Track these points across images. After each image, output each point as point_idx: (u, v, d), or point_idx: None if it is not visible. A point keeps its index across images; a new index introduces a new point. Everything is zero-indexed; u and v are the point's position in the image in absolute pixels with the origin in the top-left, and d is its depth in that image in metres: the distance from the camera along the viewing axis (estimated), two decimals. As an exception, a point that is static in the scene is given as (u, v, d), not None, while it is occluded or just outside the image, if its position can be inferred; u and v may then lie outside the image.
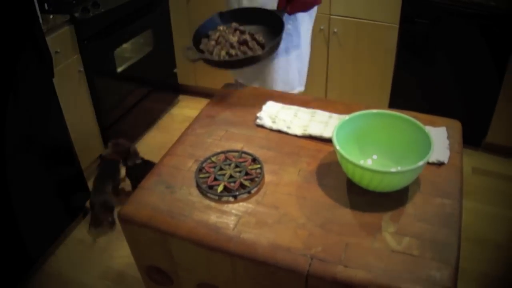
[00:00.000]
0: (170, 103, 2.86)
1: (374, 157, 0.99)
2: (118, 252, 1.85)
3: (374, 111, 0.99)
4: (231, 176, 0.93)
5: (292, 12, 1.24)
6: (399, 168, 0.85)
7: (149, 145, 2.45)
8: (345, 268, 0.76)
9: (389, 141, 0.98)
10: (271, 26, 1.23)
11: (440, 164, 0.97)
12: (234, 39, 1.19)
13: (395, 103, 2.49)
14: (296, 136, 1.08)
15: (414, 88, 2.45)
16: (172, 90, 2.87)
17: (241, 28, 1.24)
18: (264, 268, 0.80)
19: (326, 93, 2.59)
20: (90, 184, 2.03)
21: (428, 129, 0.93)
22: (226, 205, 0.89)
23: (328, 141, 1.05)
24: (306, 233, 0.83)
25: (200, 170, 0.96)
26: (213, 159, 0.99)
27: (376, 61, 2.39)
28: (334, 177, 0.96)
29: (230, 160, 0.98)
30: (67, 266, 1.79)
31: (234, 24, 1.26)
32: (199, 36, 1.23)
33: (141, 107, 2.48)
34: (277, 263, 0.78)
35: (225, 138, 1.08)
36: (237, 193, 0.90)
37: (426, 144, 0.89)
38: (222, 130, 1.11)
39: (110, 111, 2.23)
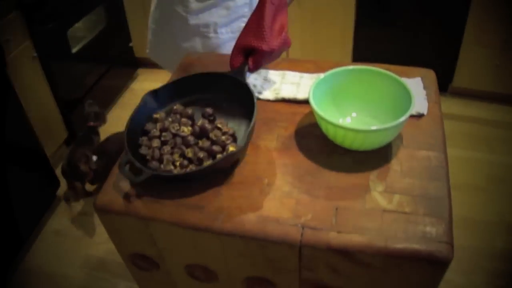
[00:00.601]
0: (129, 78, 2.75)
1: (353, 114, 0.95)
2: (97, 238, 1.79)
3: (350, 67, 0.95)
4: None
5: (256, 69, 0.97)
6: (381, 125, 0.82)
7: (113, 124, 2.36)
8: (338, 234, 0.74)
9: (367, 97, 0.95)
10: (223, 91, 0.95)
11: (419, 116, 0.95)
12: (186, 131, 0.89)
13: (358, 58, 2.47)
14: (268, 101, 1.03)
15: (376, 41, 2.43)
16: (130, 65, 2.75)
17: (188, 111, 0.93)
18: (254, 243, 0.77)
19: (288, 54, 2.54)
20: (58, 172, 1.94)
21: (404, 81, 0.90)
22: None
23: (303, 102, 1.00)
24: (293, 202, 0.80)
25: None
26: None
27: (336, 16, 2.34)
28: (314, 140, 0.92)
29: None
30: (46, 259, 1.73)
31: (177, 108, 0.93)
32: (133, 135, 0.87)
33: (101, 86, 2.37)
34: (267, 237, 0.75)
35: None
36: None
37: (405, 97, 0.86)
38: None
39: (70, 94, 2.11)
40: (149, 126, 0.90)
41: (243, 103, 0.91)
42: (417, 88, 1.00)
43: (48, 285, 1.63)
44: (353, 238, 0.74)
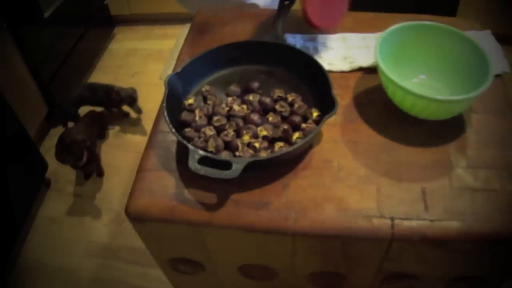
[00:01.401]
0: (107, 38, 2.49)
1: (422, 77, 0.81)
2: (96, 222, 1.64)
3: (410, 23, 0.79)
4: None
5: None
6: (463, 95, 0.68)
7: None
8: (431, 223, 0.63)
9: (435, 57, 0.81)
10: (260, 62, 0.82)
11: (497, 75, 0.82)
12: (242, 109, 0.74)
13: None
14: (343, 72, 0.86)
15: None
16: (106, 24, 2.48)
17: (233, 88, 0.79)
18: (335, 241, 0.65)
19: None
20: (42, 151, 1.74)
21: (475, 36, 0.76)
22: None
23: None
24: (374, 188, 0.67)
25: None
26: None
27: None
28: (377, 109, 0.78)
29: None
30: (45, 252, 1.56)
31: (208, 89, 0.79)
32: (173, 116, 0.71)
33: (78, 51, 2.11)
34: (354, 234, 0.63)
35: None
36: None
37: (479, 57, 0.73)
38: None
39: (45, 64, 1.86)
40: (186, 116, 0.74)
41: (285, 74, 0.79)
42: (490, 44, 0.86)
43: (53, 282, 1.48)
44: (449, 226, 0.63)
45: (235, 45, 0.81)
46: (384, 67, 0.71)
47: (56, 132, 1.92)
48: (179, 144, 0.73)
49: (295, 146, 0.64)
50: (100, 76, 2.29)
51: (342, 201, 0.65)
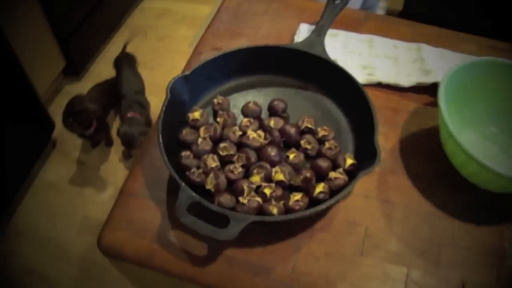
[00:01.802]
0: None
1: (492, 129, 0.65)
2: (96, 197, 1.55)
3: (485, 59, 0.62)
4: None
5: None
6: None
7: (119, 50, 2.03)
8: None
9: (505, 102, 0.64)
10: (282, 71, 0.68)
11: None
12: (257, 137, 0.59)
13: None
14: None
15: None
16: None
17: (252, 105, 0.63)
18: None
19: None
20: (54, 107, 1.64)
21: None
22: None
23: (406, 90, 0.70)
24: (403, 272, 0.52)
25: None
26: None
27: None
28: (427, 160, 0.62)
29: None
30: (38, 219, 1.49)
31: (221, 101, 0.64)
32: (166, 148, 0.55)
33: (106, 4, 1.97)
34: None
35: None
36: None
37: None
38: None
39: (67, 15, 1.73)
40: (187, 135, 0.59)
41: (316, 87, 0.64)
42: None
43: (42, 251, 1.41)
44: None
45: (262, 49, 0.66)
46: (445, 114, 0.55)
47: (71, 90, 1.82)
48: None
49: (317, 209, 0.49)
50: (127, 35, 2.15)
51: (362, 283, 0.51)
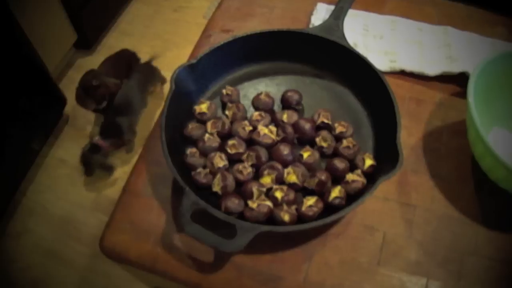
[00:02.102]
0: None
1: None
2: (108, 174, 1.54)
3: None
4: None
5: None
6: None
7: (132, 22, 1.98)
8: None
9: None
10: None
11: None
12: (269, 132, 0.54)
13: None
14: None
15: None
16: None
17: (263, 97, 0.58)
18: None
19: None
20: (66, 82, 1.61)
21: None
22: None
23: (427, 78, 0.64)
24: (423, 283, 0.49)
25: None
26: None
27: None
28: (452, 158, 0.58)
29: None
30: (50, 197, 1.49)
31: (230, 92, 0.59)
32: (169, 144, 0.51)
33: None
34: None
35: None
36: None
37: None
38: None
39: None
40: (193, 129, 0.55)
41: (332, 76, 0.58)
42: None
43: (55, 230, 1.41)
44: None
45: (275, 34, 0.60)
46: (475, 115, 0.49)
47: (84, 64, 1.79)
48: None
49: (332, 218, 0.45)
50: (140, 6, 2.09)
51: (379, 295, 0.48)
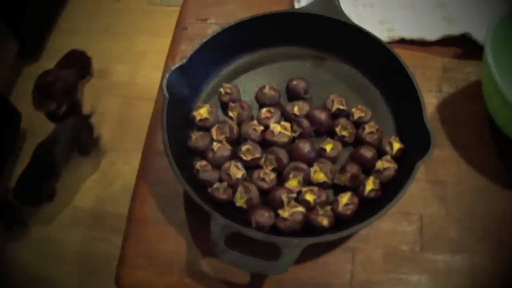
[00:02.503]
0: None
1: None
2: (80, 183, 1.44)
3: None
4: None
5: None
6: None
7: (74, 20, 1.83)
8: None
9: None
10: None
11: None
12: (282, 130, 0.49)
13: None
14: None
15: None
16: None
17: (267, 91, 0.52)
18: None
19: None
20: (15, 95, 1.47)
21: None
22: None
23: (427, 43, 0.60)
24: (467, 259, 0.47)
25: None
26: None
27: None
28: (471, 125, 0.55)
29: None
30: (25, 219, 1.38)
31: (229, 89, 0.53)
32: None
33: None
34: None
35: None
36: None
37: None
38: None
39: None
40: (198, 140, 0.49)
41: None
42: None
43: (40, 255, 1.32)
44: None
45: (269, 17, 0.54)
46: (491, 59, 0.47)
47: (32, 71, 1.64)
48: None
49: (378, 216, 0.42)
50: (79, 2, 1.92)
51: (426, 282, 0.45)
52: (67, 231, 1.36)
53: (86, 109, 1.58)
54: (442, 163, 0.52)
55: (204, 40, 0.52)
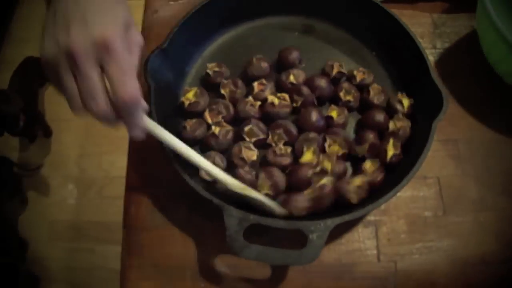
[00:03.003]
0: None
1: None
2: (54, 196, 1.36)
3: None
4: None
5: None
6: None
7: (26, 26, 1.71)
8: None
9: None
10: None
11: None
12: (275, 101, 0.45)
13: None
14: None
15: None
16: None
17: (256, 65, 0.49)
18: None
19: None
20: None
21: None
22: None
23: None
24: (492, 216, 0.45)
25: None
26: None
27: None
28: (470, 76, 0.53)
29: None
30: None
31: (216, 68, 0.49)
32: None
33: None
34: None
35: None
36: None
37: None
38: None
39: None
40: (193, 127, 0.44)
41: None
42: None
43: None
44: None
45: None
46: (496, 17, 0.44)
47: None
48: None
49: (405, 182, 0.38)
50: (29, 6, 1.77)
51: (456, 246, 0.43)
52: (48, 248, 1.27)
53: (49, 117, 1.49)
54: (450, 121, 0.50)
55: (183, 18, 0.47)
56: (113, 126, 0.32)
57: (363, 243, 0.43)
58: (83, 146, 1.53)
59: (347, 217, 0.36)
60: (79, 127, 1.50)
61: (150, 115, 0.41)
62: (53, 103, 1.54)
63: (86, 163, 1.45)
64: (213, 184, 0.41)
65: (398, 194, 0.45)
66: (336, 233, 0.43)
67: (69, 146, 1.49)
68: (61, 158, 1.45)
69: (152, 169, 0.47)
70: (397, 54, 0.48)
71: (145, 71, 0.43)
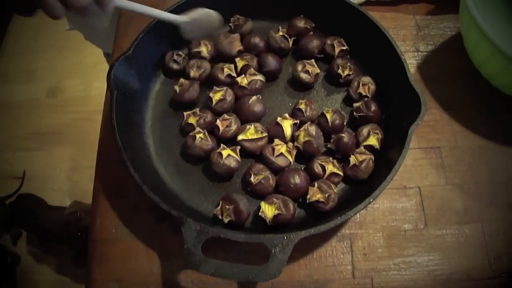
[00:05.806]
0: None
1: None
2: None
3: None
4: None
5: None
6: None
7: (18, 40, 1.73)
8: None
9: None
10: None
11: None
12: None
13: None
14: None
15: None
16: None
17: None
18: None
19: None
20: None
21: None
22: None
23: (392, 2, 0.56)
24: (479, 229, 0.42)
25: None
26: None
27: None
28: (455, 80, 0.50)
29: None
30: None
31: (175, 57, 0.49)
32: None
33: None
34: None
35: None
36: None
37: None
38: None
39: None
40: (184, 90, 0.45)
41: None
42: None
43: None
44: None
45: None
46: (479, 16, 0.42)
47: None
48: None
49: (375, 194, 0.36)
50: (22, 21, 1.77)
51: (438, 261, 0.40)
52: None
53: (41, 130, 1.48)
54: (433, 127, 0.47)
55: (150, 25, 0.45)
56: (88, 14, 0.35)
57: (337, 258, 0.40)
58: (76, 160, 1.51)
59: (313, 231, 0.33)
60: (72, 140, 1.49)
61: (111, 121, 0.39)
62: (45, 117, 1.53)
63: (79, 176, 1.43)
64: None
65: (375, 205, 0.42)
66: (307, 248, 0.40)
67: (60, 160, 1.47)
68: (53, 172, 1.44)
69: (119, 181, 0.45)
70: (375, 58, 0.46)
71: (108, 79, 0.41)
